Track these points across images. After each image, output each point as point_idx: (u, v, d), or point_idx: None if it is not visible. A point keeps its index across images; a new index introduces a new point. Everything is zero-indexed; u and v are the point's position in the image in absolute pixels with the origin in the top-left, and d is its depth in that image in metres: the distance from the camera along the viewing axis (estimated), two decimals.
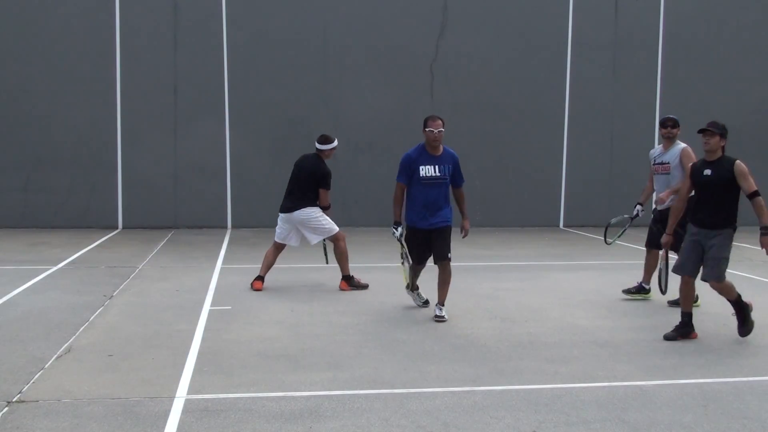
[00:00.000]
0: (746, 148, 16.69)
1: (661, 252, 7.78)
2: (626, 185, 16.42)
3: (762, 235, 6.39)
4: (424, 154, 7.33)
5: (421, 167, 7.28)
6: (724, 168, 6.54)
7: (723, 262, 6.57)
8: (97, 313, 7.52)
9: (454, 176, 7.47)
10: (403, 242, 7.53)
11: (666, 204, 8.16)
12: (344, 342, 6.56)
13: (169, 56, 15.05)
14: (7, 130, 14.73)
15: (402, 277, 7.89)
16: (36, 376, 5.47)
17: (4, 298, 8.14)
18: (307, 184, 8.80)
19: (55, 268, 10.10)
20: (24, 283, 8.92)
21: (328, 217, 8.92)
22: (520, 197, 16.17)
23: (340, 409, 4.88)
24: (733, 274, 10.35)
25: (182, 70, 15.07)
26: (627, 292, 8.59)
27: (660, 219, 8.34)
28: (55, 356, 5.99)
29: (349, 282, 8.89)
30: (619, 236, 9.01)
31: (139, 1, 14.92)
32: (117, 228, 14.85)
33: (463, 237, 7.64)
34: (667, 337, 6.72)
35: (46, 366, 5.73)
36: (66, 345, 6.32)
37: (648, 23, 16.40)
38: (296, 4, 15.40)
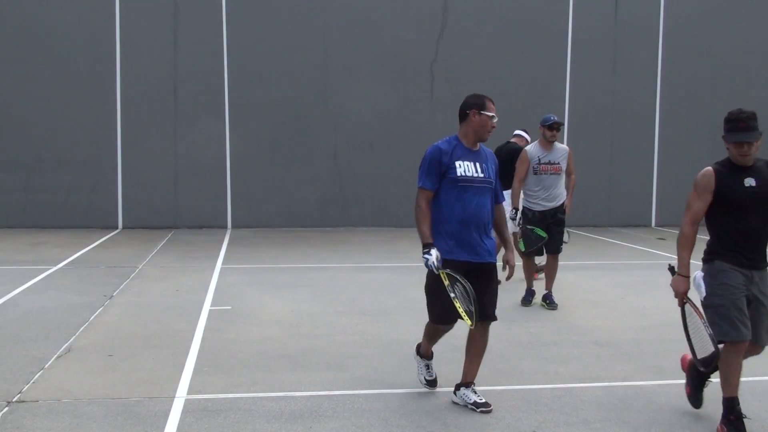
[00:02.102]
0: None
1: (687, 307, 4.69)
2: (626, 185, 16.45)
3: None
4: (461, 146, 4.97)
5: (457, 162, 4.88)
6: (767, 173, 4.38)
7: None
8: (97, 313, 7.52)
9: (495, 186, 5.08)
10: (443, 270, 4.72)
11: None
12: (344, 342, 6.56)
13: (169, 56, 15.04)
14: (7, 130, 14.72)
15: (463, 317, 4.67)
16: (36, 376, 5.47)
17: (4, 298, 8.13)
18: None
19: (55, 268, 10.10)
20: (24, 283, 8.92)
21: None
22: None
23: (340, 409, 4.88)
24: None
25: (182, 70, 15.07)
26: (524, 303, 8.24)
27: (541, 218, 7.97)
28: (55, 356, 5.99)
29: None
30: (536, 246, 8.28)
31: (139, 1, 14.92)
32: (117, 228, 14.84)
33: (508, 278, 5.15)
34: None
35: (46, 366, 5.73)
36: (66, 345, 6.32)
37: (648, 23, 16.39)
38: (296, 5, 15.39)
